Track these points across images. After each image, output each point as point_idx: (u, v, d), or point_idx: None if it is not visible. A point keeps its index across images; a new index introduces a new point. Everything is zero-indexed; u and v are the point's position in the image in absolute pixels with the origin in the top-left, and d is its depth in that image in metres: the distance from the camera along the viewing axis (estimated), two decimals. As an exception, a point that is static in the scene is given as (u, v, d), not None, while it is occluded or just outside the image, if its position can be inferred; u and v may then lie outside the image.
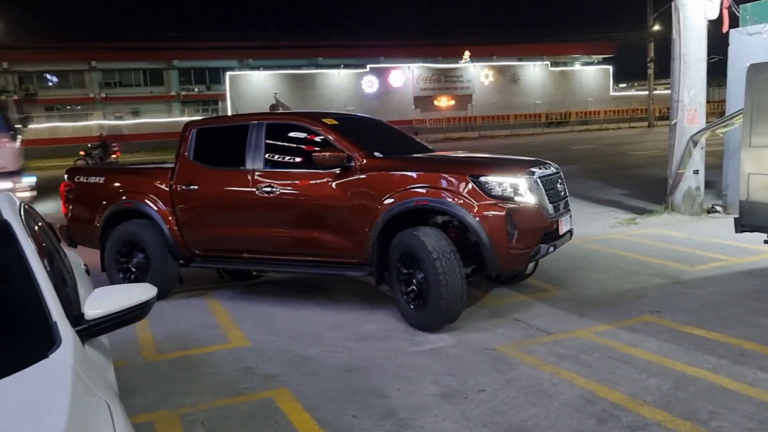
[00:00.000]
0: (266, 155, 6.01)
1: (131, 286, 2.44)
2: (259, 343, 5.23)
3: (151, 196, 6.46)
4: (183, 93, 53.65)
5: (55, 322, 2.07)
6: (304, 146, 6.01)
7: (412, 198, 5.25)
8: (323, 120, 6.00)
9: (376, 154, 5.66)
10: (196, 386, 4.41)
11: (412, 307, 5.31)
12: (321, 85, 47.00)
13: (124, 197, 6.61)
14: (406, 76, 48.82)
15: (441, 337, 5.12)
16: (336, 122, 6.04)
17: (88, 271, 3.96)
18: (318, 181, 5.67)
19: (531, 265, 5.98)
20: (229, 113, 43.42)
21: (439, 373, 4.41)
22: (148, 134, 41.32)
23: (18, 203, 2.89)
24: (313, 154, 5.60)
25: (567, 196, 5.89)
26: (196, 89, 54.49)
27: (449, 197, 5.14)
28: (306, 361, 4.79)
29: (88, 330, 2.18)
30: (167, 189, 6.41)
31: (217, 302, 6.50)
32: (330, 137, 5.75)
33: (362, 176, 5.49)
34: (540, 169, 5.50)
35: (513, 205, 5.09)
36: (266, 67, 48.73)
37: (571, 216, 5.92)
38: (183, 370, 4.71)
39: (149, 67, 52.78)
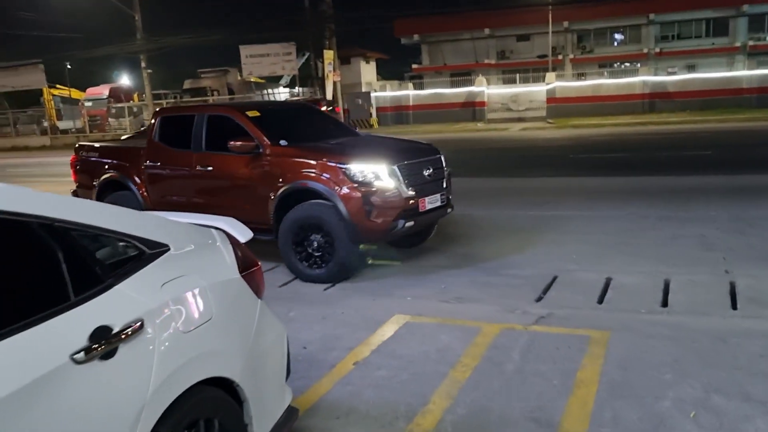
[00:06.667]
0: (204, 140, 7.42)
1: None
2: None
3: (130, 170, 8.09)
4: (750, 43, 45.93)
5: None
6: (230, 134, 7.05)
7: (298, 180, 6.66)
8: (246, 112, 7.29)
9: (282, 142, 6.95)
10: None
11: (314, 267, 6.62)
12: None
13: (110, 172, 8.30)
14: None
15: None
16: (258, 114, 7.33)
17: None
18: (239, 163, 7.05)
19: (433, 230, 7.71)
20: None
21: None
22: (695, 91, 35.75)
23: None
24: (229, 143, 6.88)
25: (438, 179, 7.05)
26: (768, 38, 46.08)
27: (322, 182, 6.48)
28: None
29: None
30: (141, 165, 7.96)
31: (602, 358, 4.02)
32: (247, 128, 7.06)
33: (267, 161, 6.87)
34: (407, 157, 6.75)
35: (371, 188, 6.38)
36: None
37: (443, 195, 7.06)
38: None
39: (714, 16, 46.78)
